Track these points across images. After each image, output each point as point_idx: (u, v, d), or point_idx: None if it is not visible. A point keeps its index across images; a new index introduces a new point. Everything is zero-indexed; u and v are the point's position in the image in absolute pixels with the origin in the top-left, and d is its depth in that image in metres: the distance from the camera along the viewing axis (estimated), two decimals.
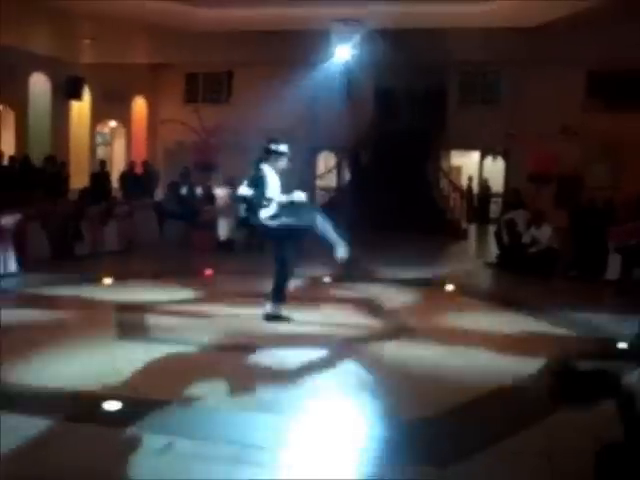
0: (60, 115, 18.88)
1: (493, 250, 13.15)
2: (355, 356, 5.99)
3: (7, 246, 9.82)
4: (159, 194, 17.15)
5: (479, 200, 22.77)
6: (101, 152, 21.51)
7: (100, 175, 16.94)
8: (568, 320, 7.73)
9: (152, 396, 4.72)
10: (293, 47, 15.85)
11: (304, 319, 7.33)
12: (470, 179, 23.35)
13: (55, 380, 5.02)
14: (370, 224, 15.80)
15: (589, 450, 3.56)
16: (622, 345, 6.49)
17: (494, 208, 21.76)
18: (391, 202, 17.06)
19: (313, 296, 8.82)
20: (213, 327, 6.89)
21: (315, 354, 6.00)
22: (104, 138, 22.14)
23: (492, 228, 15.77)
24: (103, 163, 18.03)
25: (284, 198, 7.02)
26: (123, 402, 4.53)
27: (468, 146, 22.00)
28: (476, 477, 3.67)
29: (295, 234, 7.12)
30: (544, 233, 11.63)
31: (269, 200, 6.91)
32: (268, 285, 7.30)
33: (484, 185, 22.66)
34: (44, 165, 15.24)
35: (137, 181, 16.75)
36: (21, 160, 15.05)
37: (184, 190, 15.49)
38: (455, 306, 8.71)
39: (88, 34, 16.07)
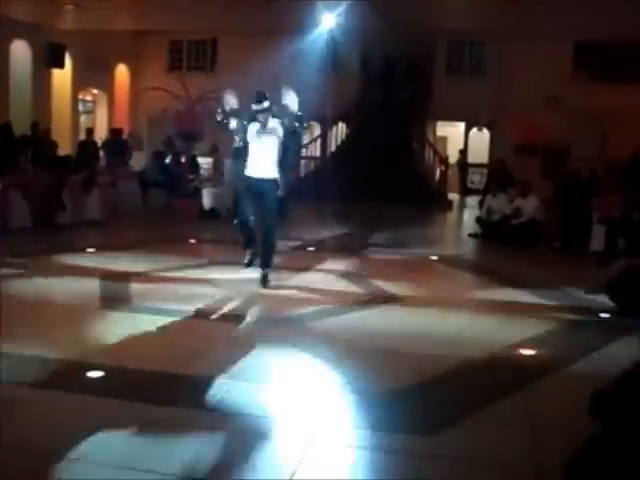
0: (41, 83, 18.48)
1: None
2: (337, 324, 5.99)
3: None
4: (142, 163, 16.96)
5: (459, 171, 22.77)
6: (83, 120, 21.21)
7: (87, 143, 16.72)
8: (549, 290, 7.75)
9: (136, 366, 4.69)
10: (278, 15, 15.61)
11: (289, 286, 7.37)
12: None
13: (38, 349, 4.96)
14: (355, 195, 15.75)
15: (572, 418, 3.57)
16: (604, 315, 6.53)
17: (478, 178, 21.82)
18: (376, 173, 16.99)
19: (296, 265, 8.80)
20: (196, 296, 6.85)
21: (298, 322, 6.00)
22: (86, 106, 21.82)
23: (469, 200, 15.69)
24: (90, 131, 17.73)
25: None
26: (106, 372, 4.50)
27: (454, 117, 21.89)
28: (460, 445, 3.68)
29: None
30: (530, 204, 11.64)
31: None
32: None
33: (462, 157, 22.60)
34: (31, 133, 15.02)
35: (118, 146, 16.54)
36: (1, 128, 14.77)
37: (168, 159, 15.35)
38: (439, 276, 8.73)
39: None
